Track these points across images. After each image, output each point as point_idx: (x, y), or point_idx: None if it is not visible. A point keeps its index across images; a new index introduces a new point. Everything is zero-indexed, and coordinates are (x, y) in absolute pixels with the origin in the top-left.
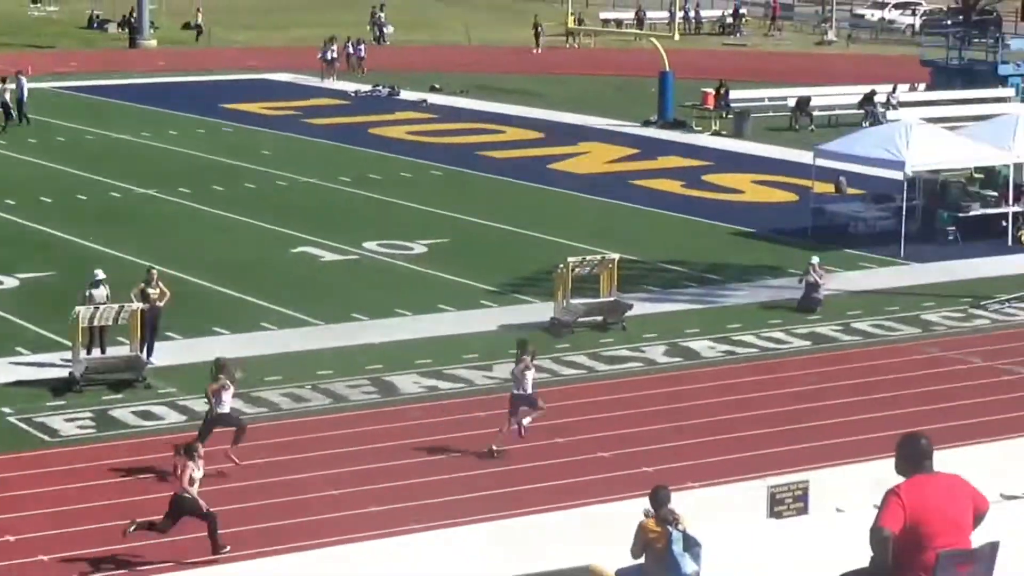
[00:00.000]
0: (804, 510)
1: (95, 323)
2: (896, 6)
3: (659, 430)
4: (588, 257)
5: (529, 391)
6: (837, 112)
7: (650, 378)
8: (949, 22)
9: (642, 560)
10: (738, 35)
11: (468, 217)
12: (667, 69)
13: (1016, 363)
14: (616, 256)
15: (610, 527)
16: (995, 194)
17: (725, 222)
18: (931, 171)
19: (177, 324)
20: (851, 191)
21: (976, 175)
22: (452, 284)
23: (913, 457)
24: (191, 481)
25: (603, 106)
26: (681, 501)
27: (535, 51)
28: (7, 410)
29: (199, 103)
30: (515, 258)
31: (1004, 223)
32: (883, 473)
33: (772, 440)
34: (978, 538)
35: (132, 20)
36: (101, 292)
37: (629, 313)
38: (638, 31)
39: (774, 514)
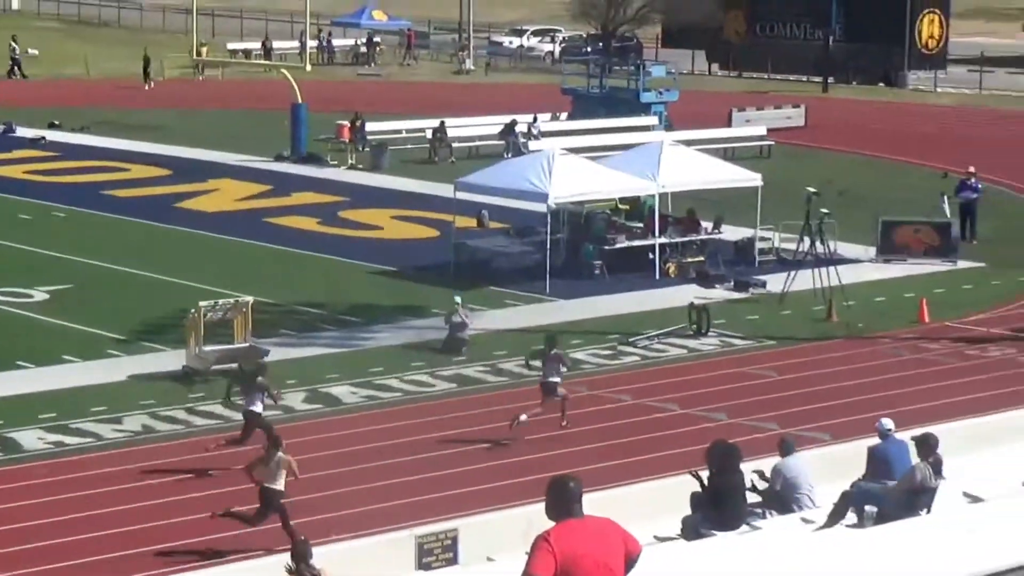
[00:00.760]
0: (454, 560)
1: None
2: (535, 33)
3: (298, 482)
4: (221, 301)
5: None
6: (478, 143)
7: (290, 426)
8: (589, 49)
9: None
10: (372, 64)
11: (93, 261)
12: (300, 101)
13: (666, 400)
14: (250, 299)
15: None
16: (641, 225)
17: (364, 260)
18: (575, 202)
19: None
20: (494, 225)
21: (621, 206)
22: (77, 333)
23: (562, 501)
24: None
25: (234, 141)
26: (325, 556)
27: (146, 87)
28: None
29: None
30: (144, 303)
31: (651, 255)
32: (534, 518)
33: (419, 487)
34: None
35: None
36: None
37: (266, 359)
38: (267, 62)
39: (423, 565)
